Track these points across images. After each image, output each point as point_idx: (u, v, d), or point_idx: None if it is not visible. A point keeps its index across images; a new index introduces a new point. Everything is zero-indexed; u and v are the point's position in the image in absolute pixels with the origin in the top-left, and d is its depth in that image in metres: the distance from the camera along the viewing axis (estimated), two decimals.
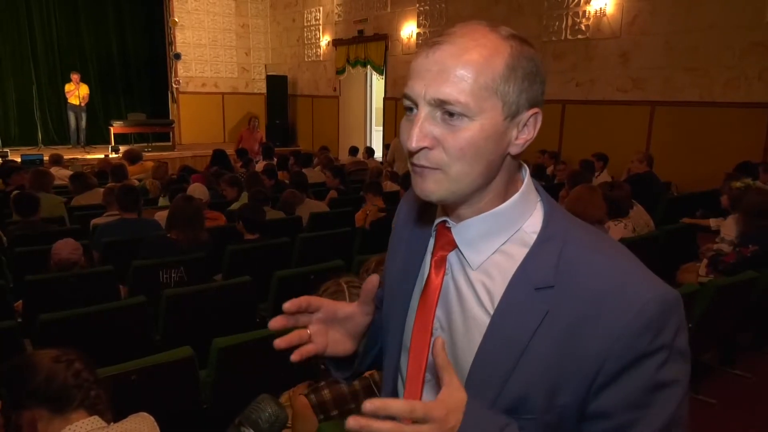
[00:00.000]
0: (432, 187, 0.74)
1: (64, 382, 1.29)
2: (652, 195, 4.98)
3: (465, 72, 0.69)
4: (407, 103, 0.74)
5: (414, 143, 0.72)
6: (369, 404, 0.64)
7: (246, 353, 2.21)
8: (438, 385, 0.82)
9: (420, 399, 0.84)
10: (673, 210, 5.09)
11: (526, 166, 0.81)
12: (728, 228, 3.81)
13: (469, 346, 0.77)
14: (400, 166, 7.96)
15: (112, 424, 1.33)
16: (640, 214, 3.90)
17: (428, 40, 0.75)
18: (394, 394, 0.91)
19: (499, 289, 0.76)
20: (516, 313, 0.73)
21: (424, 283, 0.84)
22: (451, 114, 0.70)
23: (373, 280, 0.83)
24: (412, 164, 0.75)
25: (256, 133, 10.64)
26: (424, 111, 0.72)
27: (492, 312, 0.76)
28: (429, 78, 0.71)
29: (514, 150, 0.75)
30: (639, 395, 0.69)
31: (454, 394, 0.68)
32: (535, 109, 0.74)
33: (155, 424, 1.38)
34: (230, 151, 8.30)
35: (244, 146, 9.61)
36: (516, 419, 0.73)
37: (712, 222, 4.34)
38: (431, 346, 0.82)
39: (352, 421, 0.64)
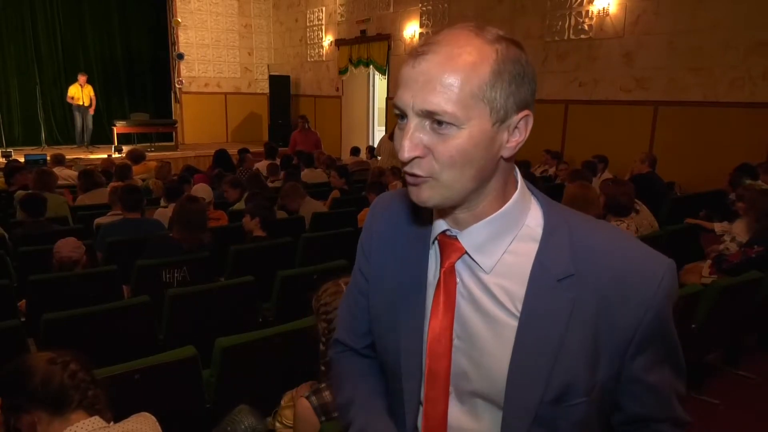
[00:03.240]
0: (427, 194, 0.75)
1: (61, 384, 1.29)
2: (654, 195, 4.97)
3: (450, 81, 0.70)
4: (397, 111, 0.75)
5: (406, 153, 0.73)
6: None
7: (249, 353, 2.21)
8: (460, 396, 0.82)
9: (446, 415, 0.84)
10: (676, 210, 5.07)
11: (515, 166, 0.82)
12: (739, 229, 3.79)
13: (500, 350, 0.77)
14: (383, 161, 8.22)
15: (112, 423, 1.33)
16: (645, 215, 3.88)
17: (414, 49, 0.76)
18: (417, 414, 0.88)
19: (518, 288, 0.77)
20: (544, 309, 0.75)
21: (432, 295, 0.83)
22: (439, 122, 0.71)
23: None
24: (406, 173, 0.76)
25: (310, 133, 9.65)
26: (413, 121, 0.73)
27: (517, 312, 0.76)
28: (416, 89, 0.72)
29: (506, 153, 0.76)
30: (665, 356, 0.80)
31: None
32: (526, 112, 0.75)
33: (157, 424, 1.38)
34: (233, 151, 8.31)
35: (301, 149, 8.78)
36: (565, 407, 0.76)
37: (717, 227, 4.30)
38: (452, 358, 0.82)
39: None
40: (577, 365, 0.75)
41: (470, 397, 0.82)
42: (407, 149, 0.73)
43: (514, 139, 0.75)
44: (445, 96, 0.70)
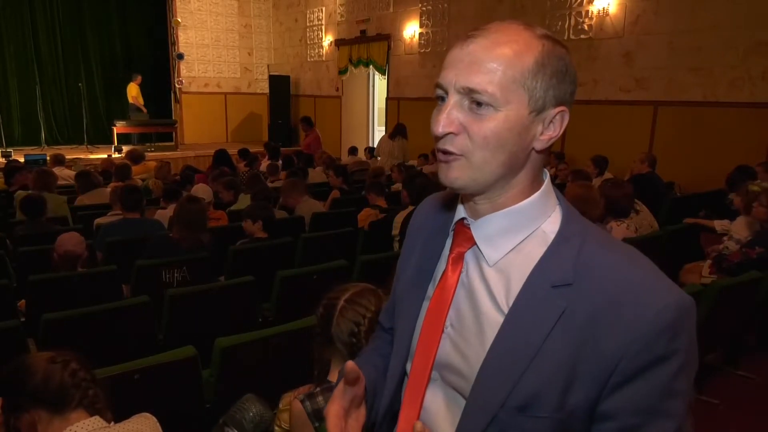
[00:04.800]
0: (455, 173, 0.77)
1: (61, 383, 1.29)
2: (654, 196, 4.97)
3: (495, 64, 0.73)
4: (438, 92, 0.78)
5: (441, 128, 0.75)
6: None
7: (248, 353, 2.21)
8: (443, 384, 0.82)
9: (423, 397, 0.85)
10: (676, 210, 5.07)
11: (546, 169, 0.83)
12: (738, 227, 3.79)
13: (481, 343, 0.77)
14: (383, 161, 8.29)
15: (113, 423, 1.33)
16: (645, 216, 3.88)
17: (465, 34, 0.79)
18: (397, 392, 0.91)
19: (515, 287, 0.76)
20: (532, 311, 0.74)
21: (438, 281, 0.85)
22: (478, 103, 0.74)
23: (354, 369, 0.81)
24: (438, 150, 0.78)
25: (308, 135, 9.79)
26: (453, 99, 0.75)
27: (506, 310, 0.76)
28: (461, 68, 0.75)
29: (538, 145, 0.77)
30: (650, 399, 0.69)
31: None
32: (562, 108, 0.77)
33: (158, 424, 1.38)
34: (233, 151, 8.31)
35: (300, 150, 9.07)
36: (528, 418, 0.73)
37: (718, 225, 4.30)
38: (440, 344, 0.83)
39: None
40: (551, 377, 0.71)
41: (451, 388, 0.82)
42: (442, 124, 0.75)
43: (549, 132, 0.77)
44: (488, 77, 0.72)
